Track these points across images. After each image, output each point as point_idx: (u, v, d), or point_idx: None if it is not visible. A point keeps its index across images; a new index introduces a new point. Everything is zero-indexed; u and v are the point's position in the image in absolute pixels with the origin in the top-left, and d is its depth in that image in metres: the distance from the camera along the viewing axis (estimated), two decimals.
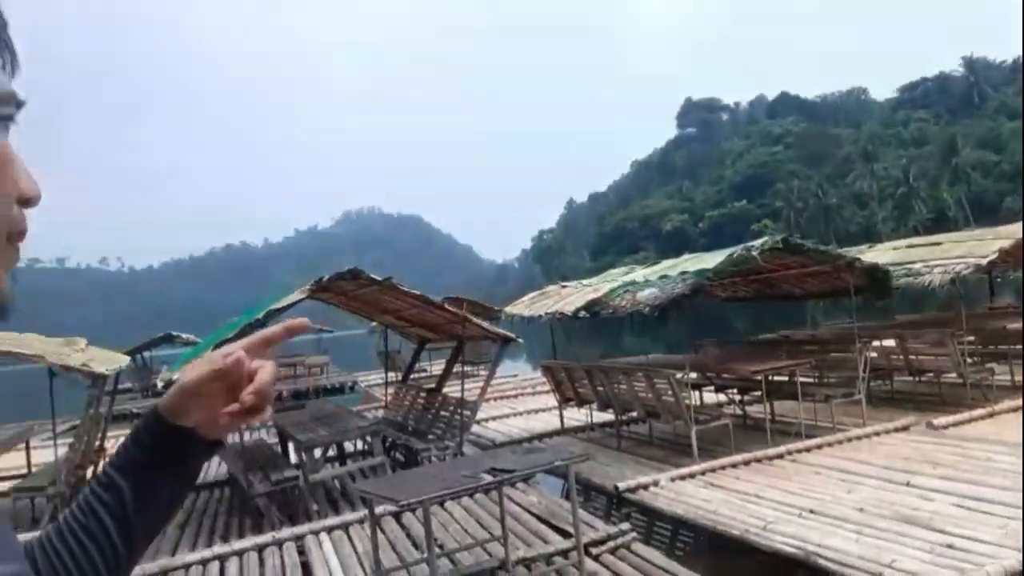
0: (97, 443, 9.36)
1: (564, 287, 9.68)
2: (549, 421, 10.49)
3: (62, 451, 8.43)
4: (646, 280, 7.67)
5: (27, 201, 0.62)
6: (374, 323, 22.97)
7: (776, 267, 8.36)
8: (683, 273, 7.20)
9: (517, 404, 12.48)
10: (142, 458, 0.78)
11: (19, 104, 0.59)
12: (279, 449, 8.75)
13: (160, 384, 7.03)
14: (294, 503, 7.34)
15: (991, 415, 7.45)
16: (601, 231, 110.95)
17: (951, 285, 8.13)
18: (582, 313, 7.76)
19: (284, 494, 7.26)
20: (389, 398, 10.10)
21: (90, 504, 0.77)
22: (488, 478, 4.15)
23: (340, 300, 9.09)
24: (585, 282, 9.66)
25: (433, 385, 9.39)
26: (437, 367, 19.56)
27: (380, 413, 11.15)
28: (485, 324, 7.65)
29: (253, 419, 0.81)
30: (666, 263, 8.41)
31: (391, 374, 20.78)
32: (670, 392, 7.09)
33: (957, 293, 8.89)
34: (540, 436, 9.30)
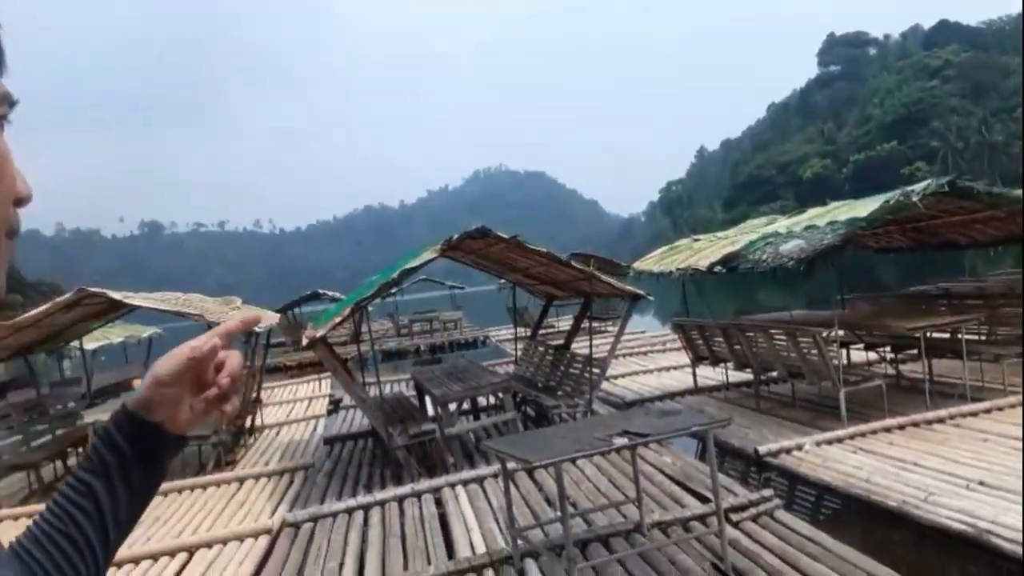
0: (253, 394, 10.09)
1: (696, 240, 9.25)
2: (681, 379, 10.19)
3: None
4: (789, 231, 7.15)
5: (20, 201, 0.62)
6: (503, 280, 23.41)
7: (938, 213, 7.55)
8: (832, 223, 6.64)
9: (647, 361, 12.23)
10: (115, 459, 0.79)
11: (12, 104, 0.59)
12: (416, 403, 9.04)
13: (304, 341, 7.39)
14: (431, 455, 7.58)
15: None
16: (734, 180, 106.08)
17: None
18: (717, 268, 7.36)
19: (422, 447, 7.51)
20: (519, 354, 10.15)
21: (66, 510, 0.77)
22: (621, 441, 4.03)
23: (470, 258, 9.17)
24: (720, 235, 9.18)
25: (561, 341, 9.34)
26: (564, 323, 19.60)
27: (511, 369, 11.28)
28: (612, 281, 7.45)
29: (224, 408, 0.83)
30: (812, 212, 7.80)
31: (519, 330, 21.12)
32: (816, 351, 6.63)
33: None
34: (672, 395, 9.06)
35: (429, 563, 4.83)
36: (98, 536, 0.77)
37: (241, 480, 7.52)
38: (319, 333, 6.75)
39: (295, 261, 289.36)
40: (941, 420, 6.27)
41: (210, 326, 8.16)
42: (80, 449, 8.69)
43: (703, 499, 5.42)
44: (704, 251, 8.20)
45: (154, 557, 5.52)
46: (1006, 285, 9.34)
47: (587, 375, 7.52)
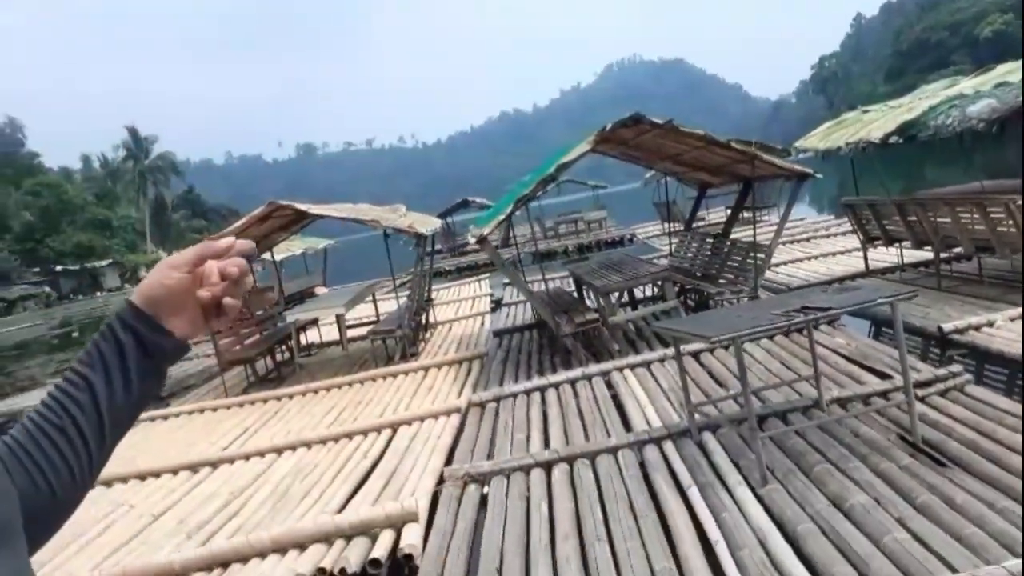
0: (425, 294, 10.82)
1: (866, 112, 8.61)
2: (849, 264, 9.78)
3: (401, 301, 9.92)
4: (976, 92, 6.51)
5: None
6: (648, 174, 22.90)
7: None
8: None
9: (810, 248, 11.78)
10: (115, 354, 0.78)
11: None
12: (576, 296, 9.35)
13: (472, 239, 7.88)
14: (596, 343, 7.89)
15: None
16: (898, 48, 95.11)
17: None
18: (893, 139, 6.88)
19: (586, 335, 7.84)
20: (673, 246, 10.11)
21: (60, 402, 0.76)
22: (801, 316, 4.04)
23: (619, 150, 9.12)
24: (892, 103, 8.49)
25: (719, 231, 9.20)
26: (714, 215, 19.06)
27: (664, 262, 11.30)
28: (777, 160, 7.17)
29: (228, 313, 0.83)
30: (1002, 68, 7.00)
31: (668, 225, 20.78)
32: (1010, 221, 6.14)
33: None
34: (841, 279, 8.71)
35: (609, 435, 5.16)
36: (92, 430, 0.75)
37: (426, 369, 8.22)
38: (486, 231, 7.08)
39: (438, 172, 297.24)
40: None
41: (386, 232, 8.78)
42: (285, 346, 9.81)
43: (883, 376, 5.34)
44: (876, 122, 7.66)
45: (364, 433, 6.26)
46: None
47: (750, 261, 7.42)
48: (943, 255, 7.49)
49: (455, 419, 6.25)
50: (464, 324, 11.16)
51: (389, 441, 6.05)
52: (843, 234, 12.88)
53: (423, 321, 10.40)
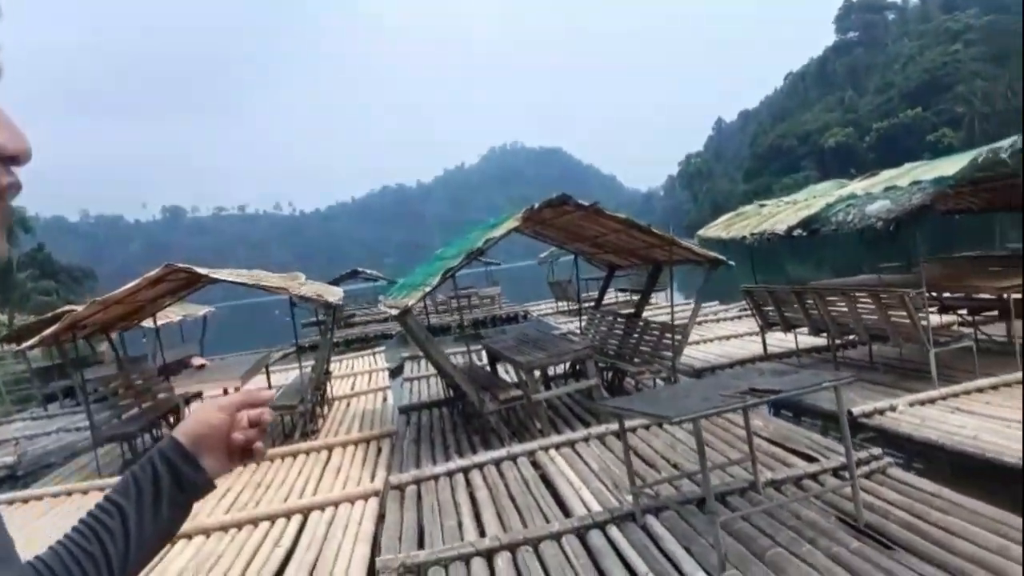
0: (325, 366, 10.28)
1: (763, 206, 9.24)
2: (746, 347, 10.25)
3: (293, 374, 9.35)
4: (868, 193, 7.13)
5: (15, 159, 0.57)
6: (543, 253, 23.42)
7: (1015, 173, 7.48)
8: (915, 183, 6.62)
9: (704, 331, 12.26)
10: (150, 486, 0.82)
11: None
12: (489, 371, 9.17)
13: (389, 311, 7.70)
14: (515, 421, 7.72)
15: None
16: (755, 151, 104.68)
17: None
18: (797, 231, 7.37)
19: (507, 413, 7.66)
20: (583, 324, 10.22)
21: (92, 528, 0.79)
22: (751, 398, 4.10)
23: (537, 228, 9.23)
24: (787, 199, 9.17)
25: (629, 311, 9.41)
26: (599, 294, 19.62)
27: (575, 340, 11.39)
28: (692, 246, 7.49)
29: (255, 458, 0.90)
30: (887, 174, 7.76)
31: (563, 303, 21.14)
32: (903, 312, 6.65)
33: None
34: (742, 362, 9.11)
35: (548, 521, 4.96)
36: (118, 559, 0.78)
37: (329, 448, 7.70)
38: (410, 302, 6.85)
39: (316, 241, 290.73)
40: None
41: (291, 300, 8.32)
42: (167, 421, 8.93)
43: (808, 459, 5.50)
44: (776, 215, 8.20)
45: (271, 519, 5.70)
46: None
47: (666, 341, 7.59)
48: (838, 341, 7.99)
49: (374, 503, 5.83)
50: (364, 400, 10.67)
51: (301, 527, 5.54)
52: (732, 319, 13.58)
53: (323, 396, 9.84)
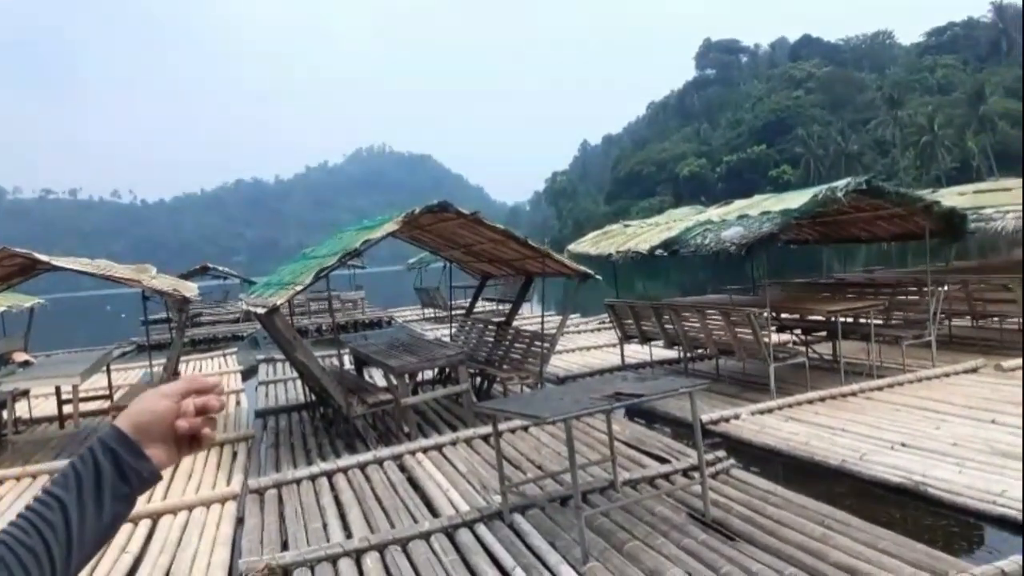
0: (175, 366, 9.72)
1: (628, 226, 9.80)
2: (605, 358, 10.76)
3: (135, 373, 8.78)
4: (723, 220, 7.77)
5: None
6: (412, 260, 23.31)
7: (848, 209, 8.43)
8: (765, 213, 7.30)
9: (566, 342, 12.72)
10: (92, 477, 0.79)
11: None
12: (355, 375, 9.04)
13: (245, 307, 7.44)
14: (381, 426, 7.67)
15: None
16: (616, 175, 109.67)
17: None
18: (659, 251, 7.89)
19: (374, 417, 7.59)
20: (453, 330, 10.33)
21: (32, 522, 0.76)
22: (618, 401, 4.37)
23: (413, 234, 9.25)
24: (648, 222, 9.77)
25: (500, 320, 9.62)
26: (465, 303, 19.82)
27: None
28: (566, 260, 7.81)
29: (203, 445, 0.88)
30: (739, 203, 8.49)
31: (430, 310, 21.10)
32: (748, 330, 7.28)
33: None
34: (601, 372, 9.54)
35: (416, 521, 4.99)
36: (60, 552, 0.75)
37: None
38: (278, 301, 6.67)
39: (160, 234, 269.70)
40: (854, 393, 7.09)
41: (144, 293, 7.83)
42: None
43: (661, 460, 5.90)
44: (640, 235, 8.73)
45: None
46: (894, 276, 10.52)
47: (535, 349, 7.85)
48: (689, 355, 8.60)
49: (232, 507, 5.61)
50: None
51: (151, 532, 5.23)
52: (594, 331, 14.19)
53: None
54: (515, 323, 9.84)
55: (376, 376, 9.49)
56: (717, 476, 5.42)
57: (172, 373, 9.03)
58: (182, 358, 15.31)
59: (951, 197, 9.21)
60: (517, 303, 9.46)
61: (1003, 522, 4.21)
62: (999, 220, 8.09)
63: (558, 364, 10.44)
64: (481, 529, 4.73)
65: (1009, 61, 79.95)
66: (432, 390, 8.43)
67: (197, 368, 14.07)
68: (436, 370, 8.96)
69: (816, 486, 5.23)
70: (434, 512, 5.20)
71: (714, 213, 8.39)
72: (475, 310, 11.07)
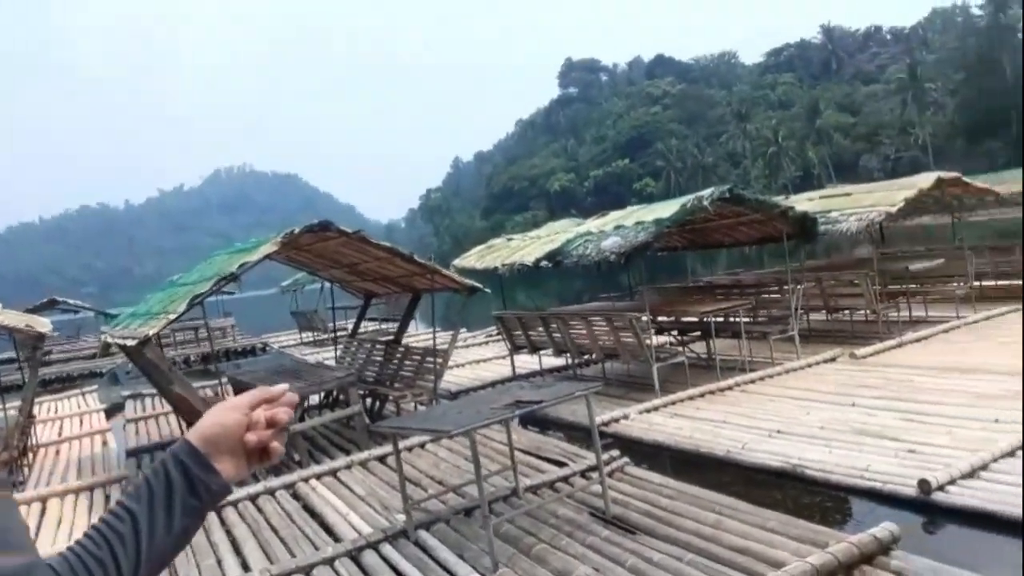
0: (29, 408, 8.91)
1: (511, 240, 10.00)
2: (496, 370, 10.86)
3: None
4: (601, 231, 8.10)
5: None
6: (286, 282, 22.45)
7: (713, 217, 9.01)
8: (639, 223, 7.68)
9: (456, 356, 12.71)
10: (163, 490, 0.80)
11: None
12: None
13: (108, 340, 6.94)
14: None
15: (899, 345, 8.49)
16: (490, 191, 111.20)
17: (863, 231, 9.11)
18: (543, 263, 8.10)
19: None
20: (339, 352, 10.09)
21: (103, 533, 0.77)
22: (518, 409, 4.46)
23: (292, 254, 8.98)
24: (531, 235, 10.02)
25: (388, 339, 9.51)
26: (352, 325, 19.37)
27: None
28: (455, 275, 7.85)
29: (272, 459, 0.87)
30: (614, 214, 8.89)
31: (307, 334, 20.41)
32: (631, 334, 7.61)
33: (869, 239, 9.98)
34: (493, 384, 9.64)
35: (318, 548, 4.85)
36: (129, 565, 0.76)
37: (43, 499, 6.71)
38: (151, 332, 6.28)
39: None
40: (730, 388, 7.55)
41: None
42: None
43: (558, 464, 6.04)
44: (525, 248, 8.93)
45: None
46: (758, 278, 11.32)
47: (427, 365, 7.82)
48: (577, 361, 8.86)
49: None
50: (77, 445, 9.43)
51: None
52: (482, 344, 14.27)
53: (26, 443, 8.51)
54: (404, 340, 9.77)
55: None
56: (613, 474, 5.61)
57: (27, 415, 8.29)
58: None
59: (802, 203, 10.06)
60: (405, 320, 9.39)
61: (869, 494, 4.64)
62: (844, 222, 8.92)
63: (450, 379, 10.43)
64: (387, 549, 4.66)
65: (838, 79, 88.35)
66: (320, 415, 8.21)
67: (53, 410, 12.92)
68: (322, 394, 8.72)
69: (705, 476, 5.54)
70: (335, 537, 5.07)
71: (592, 225, 8.72)
72: (359, 330, 10.84)
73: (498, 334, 10.33)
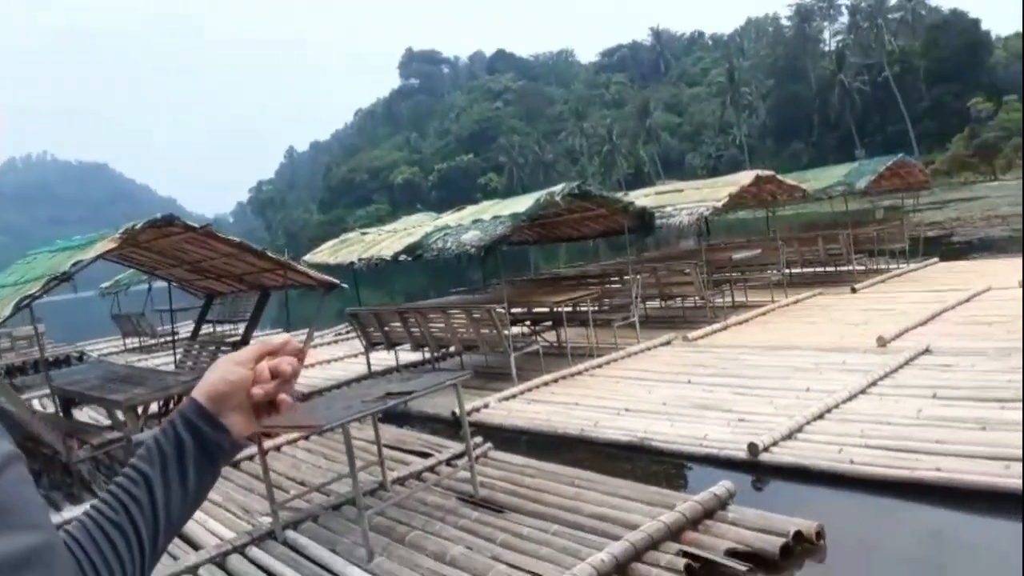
0: None
1: (366, 234, 9.92)
2: (349, 368, 10.73)
3: None
4: (460, 224, 8.29)
5: None
6: (106, 284, 20.56)
7: (562, 212, 9.48)
8: (496, 217, 7.95)
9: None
10: (174, 451, 0.79)
11: None
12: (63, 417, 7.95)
13: None
14: (106, 469, 6.88)
15: (725, 328, 9.42)
16: (328, 183, 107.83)
17: (693, 224, 9.99)
18: (402, 257, 8.16)
19: (97, 460, 6.77)
20: (179, 356, 9.54)
21: (119, 499, 0.76)
22: (391, 400, 4.55)
23: (123, 252, 8.38)
24: (387, 228, 10.00)
25: (236, 339, 9.14)
26: (183, 329, 18.06)
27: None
28: (311, 271, 7.70)
29: (280, 411, 0.88)
30: (471, 208, 9.11)
31: (133, 340, 18.85)
32: (490, 325, 7.86)
33: (697, 232, 10.92)
34: (348, 382, 9.54)
35: (176, 558, 4.66)
36: (148, 528, 0.75)
37: None
38: None
39: None
40: (581, 373, 8.03)
41: None
42: None
43: (423, 455, 6.17)
44: (381, 242, 8.93)
45: None
46: (601, 269, 12.01)
47: None
48: (436, 354, 9.00)
49: None
50: None
51: None
52: (332, 343, 13.98)
53: None
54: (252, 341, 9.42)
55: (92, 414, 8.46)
56: (479, 460, 5.81)
57: None
58: None
59: (641, 198, 10.82)
60: (254, 320, 9.04)
61: (708, 459, 5.20)
62: (677, 216, 9.74)
63: (299, 380, 10.17)
64: (254, 552, 4.58)
65: (667, 80, 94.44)
66: (160, 424, 7.76)
67: None
68: (161, 402, 8.23)
69: (563, 454, 5.90)
70: (195, 546, 4.89)
71: (450, 219, 8.89)
72: (200, 332, 10.30)
73: (348, 332, 10.22)
